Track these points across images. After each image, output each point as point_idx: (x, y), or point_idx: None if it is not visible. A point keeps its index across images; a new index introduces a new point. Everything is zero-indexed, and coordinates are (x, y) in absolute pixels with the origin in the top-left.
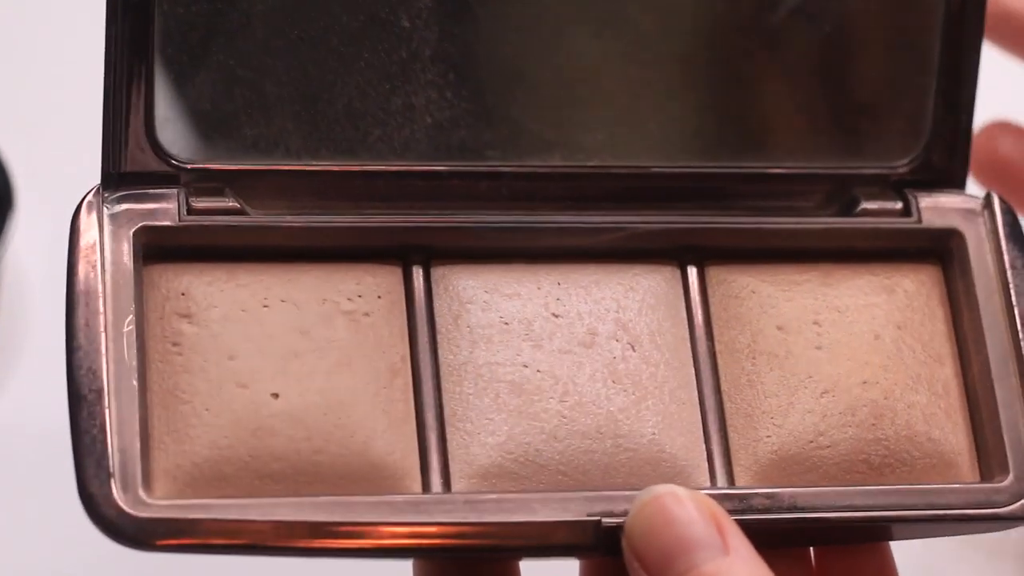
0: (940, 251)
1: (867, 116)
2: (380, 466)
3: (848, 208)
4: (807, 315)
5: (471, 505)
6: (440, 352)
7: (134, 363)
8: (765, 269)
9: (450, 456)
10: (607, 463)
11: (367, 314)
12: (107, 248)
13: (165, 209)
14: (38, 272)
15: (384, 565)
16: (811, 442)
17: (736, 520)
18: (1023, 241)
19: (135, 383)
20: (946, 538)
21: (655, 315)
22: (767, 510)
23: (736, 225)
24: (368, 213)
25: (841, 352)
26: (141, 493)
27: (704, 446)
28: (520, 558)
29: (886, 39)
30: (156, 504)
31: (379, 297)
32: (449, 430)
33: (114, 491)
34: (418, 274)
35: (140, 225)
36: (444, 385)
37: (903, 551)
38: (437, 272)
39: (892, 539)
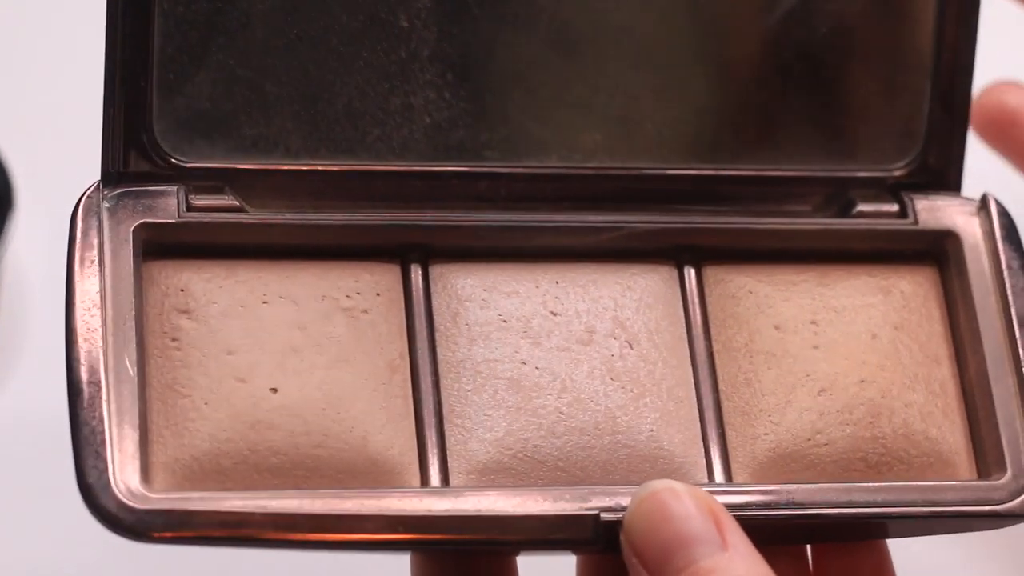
0: (936, 252)
1: (863, 119)
2: (379, 461)
3: (845, 210)
4: (804, 315)
5: (469, 499)
6: (438, 349)
7: (133, 358)
8: (762, 269)
9: (448, 452)
10: (605, 459)
11: (366, 311)
12: (107, 244)
13: (165, 206)
14: (38, 272)
15: (382, 560)
16: (808, 440)
17: (734, 516)
18: (1019, 242)
19: (134, 377)
20: (943, 537)
21: (653, 314)
22: (765, 506)
23: (733, 225)
24: (367, 212)
25: (838, 351)
26: (140, 485)
27: (702, 443)
28: (518, 552)
29: (881, 42)
30: (155, 496)
31: (378, 295)
32: (447, 426)
33: (113, 483)
34: (416, 272)
35: (140, 221)
36: (442, 382)
37: (900, 550)
38: (435, 270)
39: (889, 536)
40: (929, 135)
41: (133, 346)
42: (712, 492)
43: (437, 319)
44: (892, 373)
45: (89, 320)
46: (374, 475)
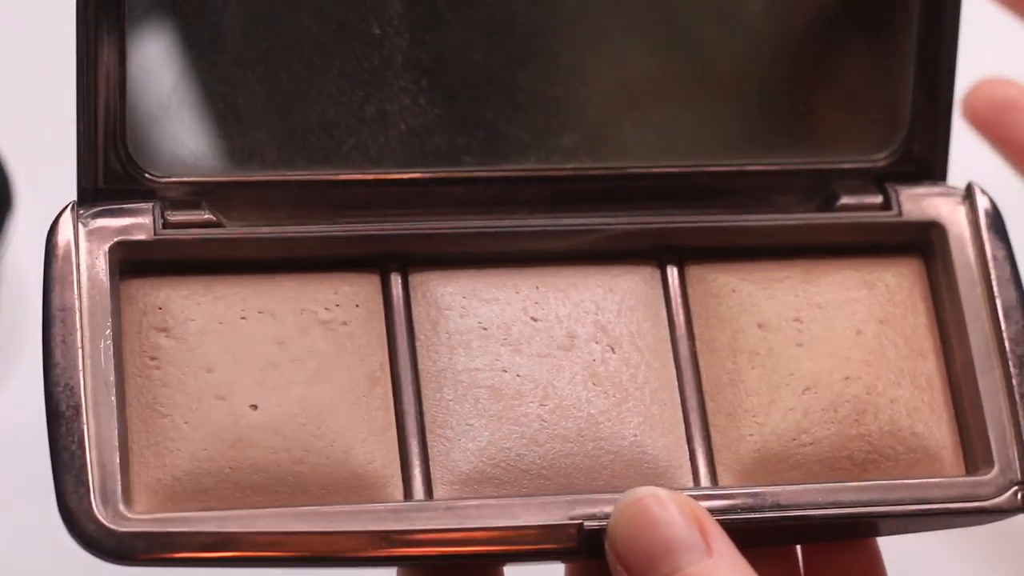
0: (921, 244)
1: (845, 109)
2: (361, 475)
3: (828, 203)
4: (788, 312)
5: (453, 512)
6: (419, 359)
7: (111, 378)
8: (745, 267)
9: (431, 463)
10: (589, 466)
11: (345, 323)
12: (83, 264)
13: (140, 224)
14: (38, 272)
15: (368, 575)
16: (794, 440)
17: (720, 520)
18: (1004, 232)
19: (113, 398)
20: (934, 532)
21: (635, 316)
22: (751, 509)
23: (715, 223)
24: (345, 221)
25: (823, 349)
26: (121, 508)
27: (687, 446)
28: (504, 564)
29: (863, 31)
30: (136, 518)
31: (357, 306)
32: (430, 437)
33: (94, 506)
34: (396, 281)
35: (115, 240)
36: (424, 392)
37: (892, 547)
38: (415, 279)
39: (878, 535)
40: (913, 124)
41: (112, 366)
42: (696, 497)
43: (417, 328)
44: (877, 369)
45: (67, 342)
46: (357, 489)
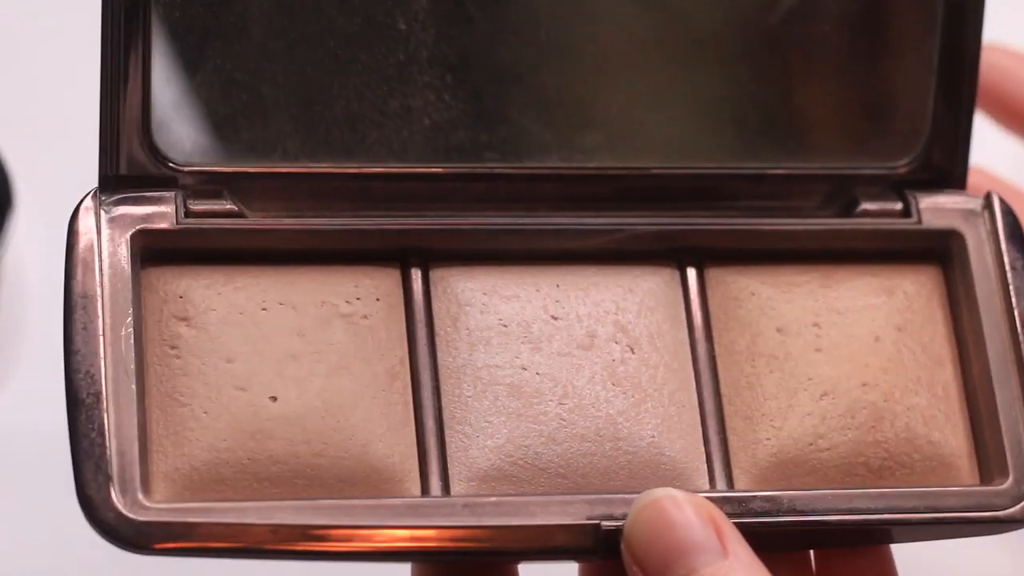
0: (940, 252)
1: (867, 116)
2: (379, 469)
3: (848, 209)
4: (807, 317)
5: (470, 508)
6: (439, 355)
7: (132, 366)
8: (764, 270)
9: (449, 459)
10: (606, 466)
11: (365, 317)
12: (105, 252)
13: (163, 212)
14: (38, 272)
15: (383, 569)
16: (810, 444)
17: (735, 523)
18: (1023, 241)
19: (133, 386)
20: (947, 542)
21: (654, 317)
22: (766, 513)
23: (735, 226)
24: (366, 215)
25: (841, 354)
26: (140, 496)
27: (703, 449)
28: (519, 561)
29: (885, 38)
30: (154, 507)
31: (377, 300)
32: (448, 433)
33: (113, 494)
34: (416, 276)
35: (137, 228)
36: (443, 388)
37: (904, 552)
38: (435, 274)
39: (892, 542)
40: (933, 132)
41: (132, 355)
42: (712, 499)
43: (437, 324)
44: (895, 376)
45: (88, 330)
46: (374, 483)
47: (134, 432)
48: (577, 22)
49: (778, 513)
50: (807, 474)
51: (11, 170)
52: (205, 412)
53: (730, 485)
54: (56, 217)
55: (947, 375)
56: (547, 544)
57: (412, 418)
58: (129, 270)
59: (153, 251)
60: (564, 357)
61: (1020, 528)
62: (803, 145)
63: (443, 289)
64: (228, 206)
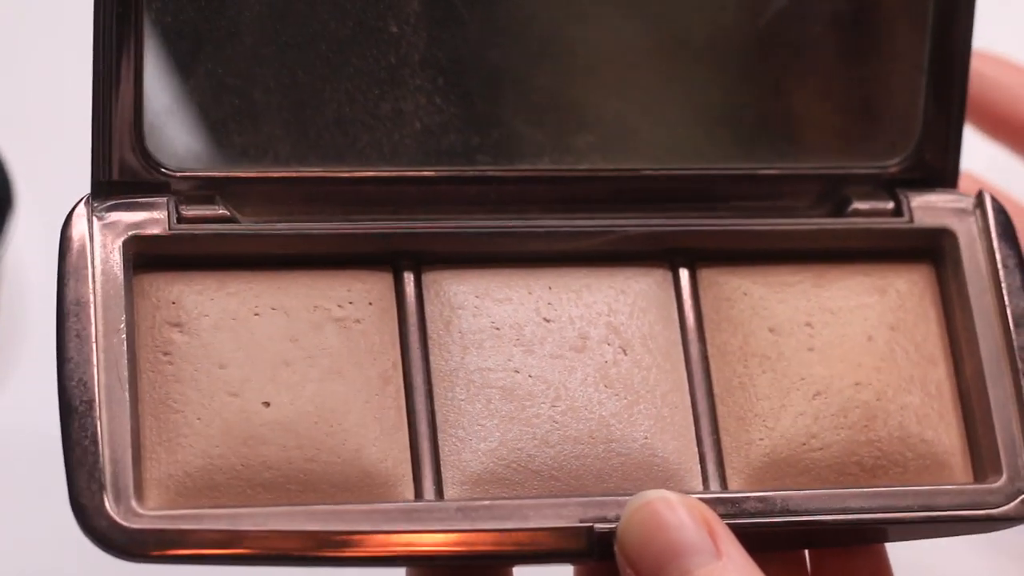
0: (932, 251)
1: (858, 115)
2: (372, 474)
3: (840, 208)
4: (799, 317)
5: (463, 512)
6: (431, 358)
7: (125, 373)
8: (757, 271)
9: (442, 463)
10: (600, 468)
11: (358, 321)
12: (97, 258)
13: (155, 218)
14: (38, 272)
15: (377, 574)
16: (804, 444)
17: (729, 524)
18: (1015, 239)
19: (126, 393)
20: (942, 540)
21: (646, 318)
22: (759, 514)
23: (727, 227)
24: (358, 219)
25: (834, 354)
26: (133, 504)
27: (697, 449)
28: (513, 564)
29: (876, 38)
30: (148, 515)
31: (370, 304)
32: (441, 436)
33: (106, 502)
34: (409, 280)
35: (130, 235)
36: (436, 391)
37: (899, 550)
38: (428, 278)
39: (886, 541)
40: (925, 131)
41: (125, 361)
42: (706, 500)
43: (430, 327)
44: (888, 375)
45: (81, 337)
46: (368, 488)
47: (127, 439)
48: (568, 25)
49: (771, 513)
50: (800, 474)
51: (11, 170)
52: (198, 418)
53: (723, 486)
54: (56, 218)
55: (940, 374)
56: (541, 547)
57: (405, 422)
58: (121, 276)
59: (146, 257)
60: (556, 359)
61: (1014, 526)
62: (794, 145)
63: (435, 292)
64: (220, 211)
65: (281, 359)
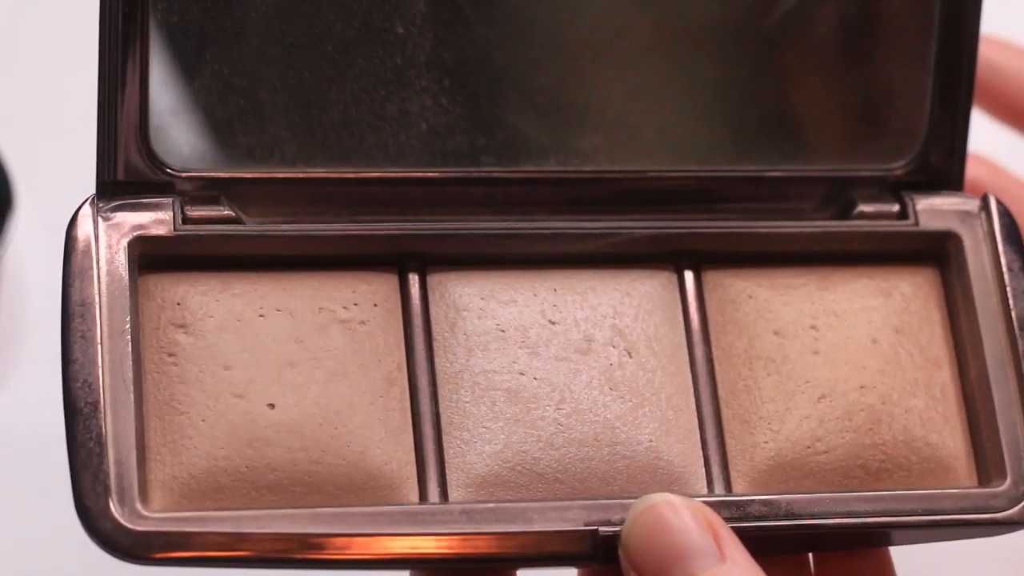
0: (937, 254)
1: (863, 118)
2: (377, 476)
3: (845, 211)
4: (804, 319)
5: (468, 515)
6: (436, 360)
7: (130, 374)
8: (762, 273)
9: (447, 465)
10: (604, 471)
11: (363, 322)
12: (102, 259)
13: (160, 219)
14: (38, 272)
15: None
16: (808, 448)
17: (733, 527)
18: (1020, 243)
19: (131, 395)
20: (946, 544)
21: (652, 321)
22: (764, 517)
23: (732, 229)
24: (363, 220)
25: (838, 357)
26: (138, 506)
27: (701, 452)
28: (518, 567)
29: (882, 40)
30: (152, 517)
31: (375, 305)
32: (446, 439)
33: (111, 504)
34: (414, 281)
35: (135, 235)
36: (441, 393)
37: (903, 553)
38: (433, 279)
39: (891, 544)
40: (930, 133)
41: (129, 363)
42: (710, 504)
43: (435, 329)
44: (892, 378)
45: (86, 337)
46: (372, 490)
47: (132, 441)
48: (574, 26)
49: (776, 517)
50: (805, 477)
51: (11, 170)
52: (203, 420)
53: (728, 489)
54: (56, 218)
55: (945, 377)
56: (545, 550)
57: (410, 424)
58: (127, 277)
59: (151, 258)
60: (561, 362)
61: (1018, 530)
62: (800, 147)
63: (440, 294)
64: (226, 212)
65: (286, 360)
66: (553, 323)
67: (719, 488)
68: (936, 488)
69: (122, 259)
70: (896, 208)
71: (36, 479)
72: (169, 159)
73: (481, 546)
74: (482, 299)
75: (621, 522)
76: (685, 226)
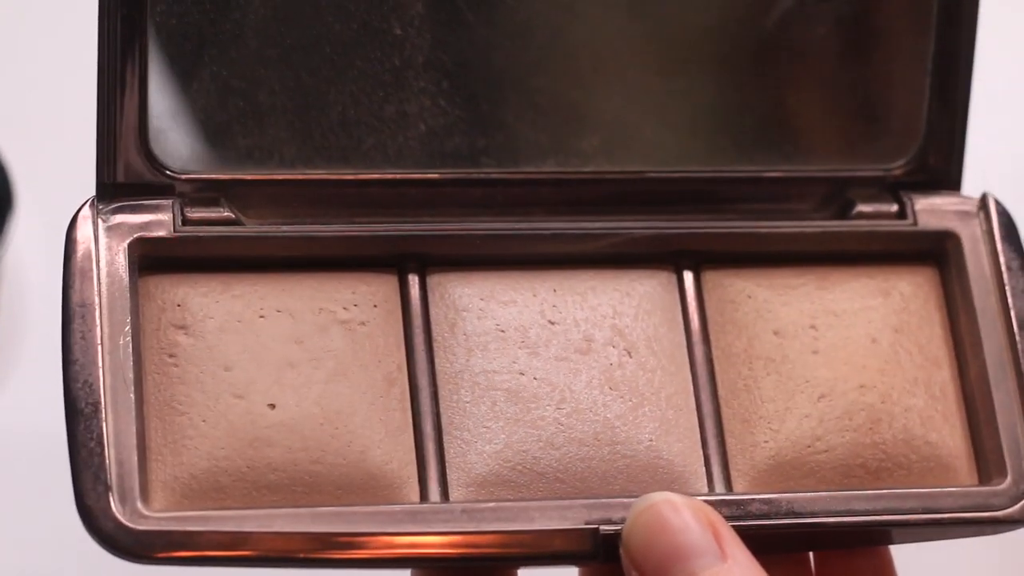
0: (936, 253)
1: (862, 118)
2: (377, 476)
3: (844, 211)
4: (803, 319)
5: (468, 514)
6: (436, 360)
7: (130, 375)
8: (761, 273)
9: (448, 465)
10: (605, 470)
11: (363, 323)
12: (103, 260)
13: (160, 220)
14: (38, 272)
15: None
16: (808, 447)
17: (734, 526)
18: (1018, 242)
19: (132, 395)
20: (948, 543)
21: (651, 321)
22: (764, 516)
23: (732, 229)
24: (363, 221)
25: (838, 356)
26: (139, 506)
27: (702, 452)
28: (519, 566)
29: (880, 40)
30: (154, 517)
31: (375, 306)
32: (446, 439)
33: (112, 504)
34: (414, 282)
35: (135, 237)
36: (441, 393)
37: (903, 551)
38: (433, 280)
39: (891, 543)
40: (928, 133)
41: (130, 363)
42: (710, 503)
43: (435, 330)
44: (892, 377)
45: (86, 339)
46: (373, 490)
47: (133, 441)
48: (573, 27)
49: (776, 515)
50: (805, 477)
51: (11, 170)
52: (203, 420)
53: (728, 488)
54: (56, 218)
55: (944, 376)
56: (546, 549)
57: (410, 424)
58: (127, 279)
59: (151, 259)
60: (561, 362)
61: (1018, 528)
62: (799, 148)
63: (440, 295)
64: (225, 214)
65: (286, 361)
66: (553, 323)
67: (719, 487)
68: (936, 487)
69: (122, 261)
70: (895, 208)
71: (36, 479)
72: (169, 161)
73: (482, 545)
74: (482, 300)
75: (622, 521)
76: (684, 226)
